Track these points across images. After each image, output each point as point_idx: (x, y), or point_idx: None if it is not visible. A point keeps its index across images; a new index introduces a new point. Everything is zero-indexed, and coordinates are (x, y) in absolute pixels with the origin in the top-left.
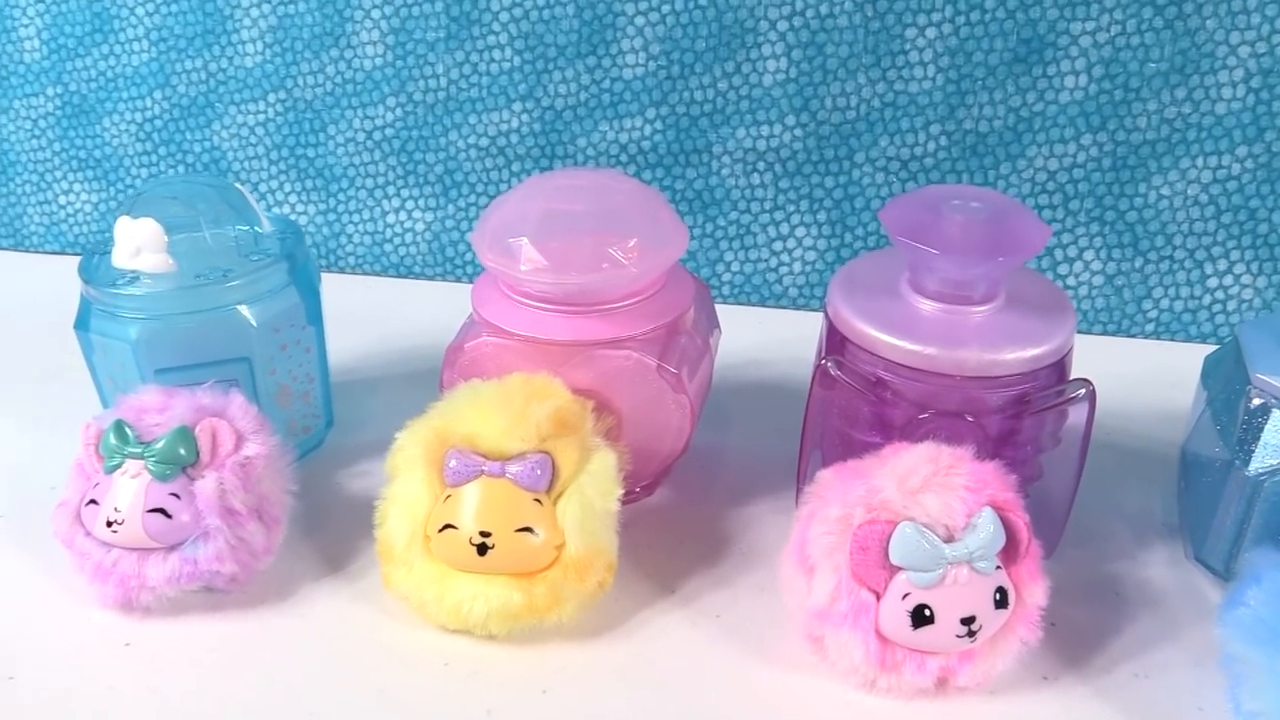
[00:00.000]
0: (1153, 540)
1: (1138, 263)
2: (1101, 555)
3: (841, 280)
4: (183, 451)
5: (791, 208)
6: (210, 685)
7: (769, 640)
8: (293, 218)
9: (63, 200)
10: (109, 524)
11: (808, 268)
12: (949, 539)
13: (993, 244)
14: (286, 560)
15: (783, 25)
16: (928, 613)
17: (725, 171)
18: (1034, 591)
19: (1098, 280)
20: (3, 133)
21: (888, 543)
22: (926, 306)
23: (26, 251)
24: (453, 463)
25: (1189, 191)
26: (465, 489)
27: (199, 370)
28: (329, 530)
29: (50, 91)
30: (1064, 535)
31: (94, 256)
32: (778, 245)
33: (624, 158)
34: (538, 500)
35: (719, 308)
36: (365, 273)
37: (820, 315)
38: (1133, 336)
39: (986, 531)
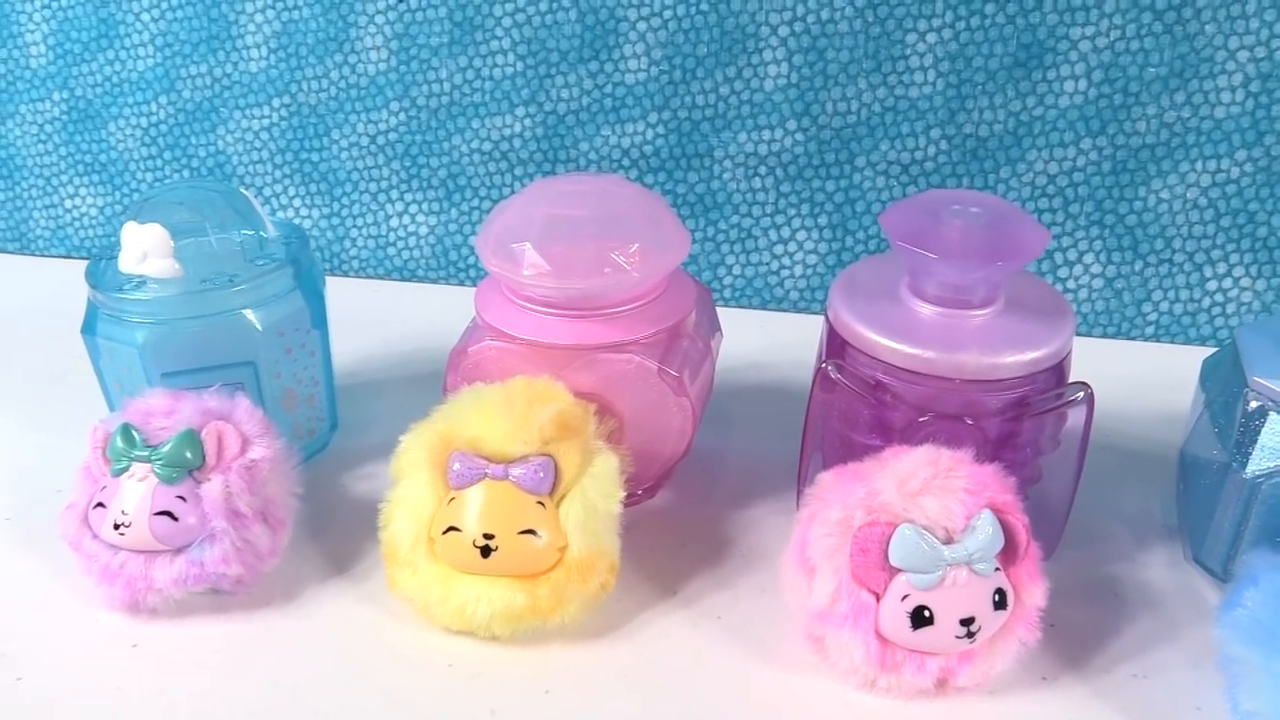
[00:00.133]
0: (1151, 542)
1: (1137, 266)
2: (1100, 557)
3: (842, 284)
4: (189, 455)
5: (792, 211)
6: (217, 686)
7: (770, 641)
8: (297, 222)
9: (68, 204)
10: (116, 526)
11: (808, 271)
12: (948, 541)
13: (992, 249)
14: (292, 562)
15: (784, 30)
16: (927, 614)
17: (727, 175)
18: (1033, 593)
19: (1097, 283)
20: (9, 137)
21: (887, 544)
22: (926, 310)
23: (32, 255)
24: (456, 465)
25: (1188, 195)
26: (469, 491)
27: (205, 374)
28: (334, 533)
29: (56, 96)
30: (1063, 537)
31: (100, 261)
32: (779, 249)
33: (626, 162)
34: (540, 503)
35: (720, 311)
36: (369, 276)
37: (821, 319)
38: (1132, 339)
39: (985, 533)
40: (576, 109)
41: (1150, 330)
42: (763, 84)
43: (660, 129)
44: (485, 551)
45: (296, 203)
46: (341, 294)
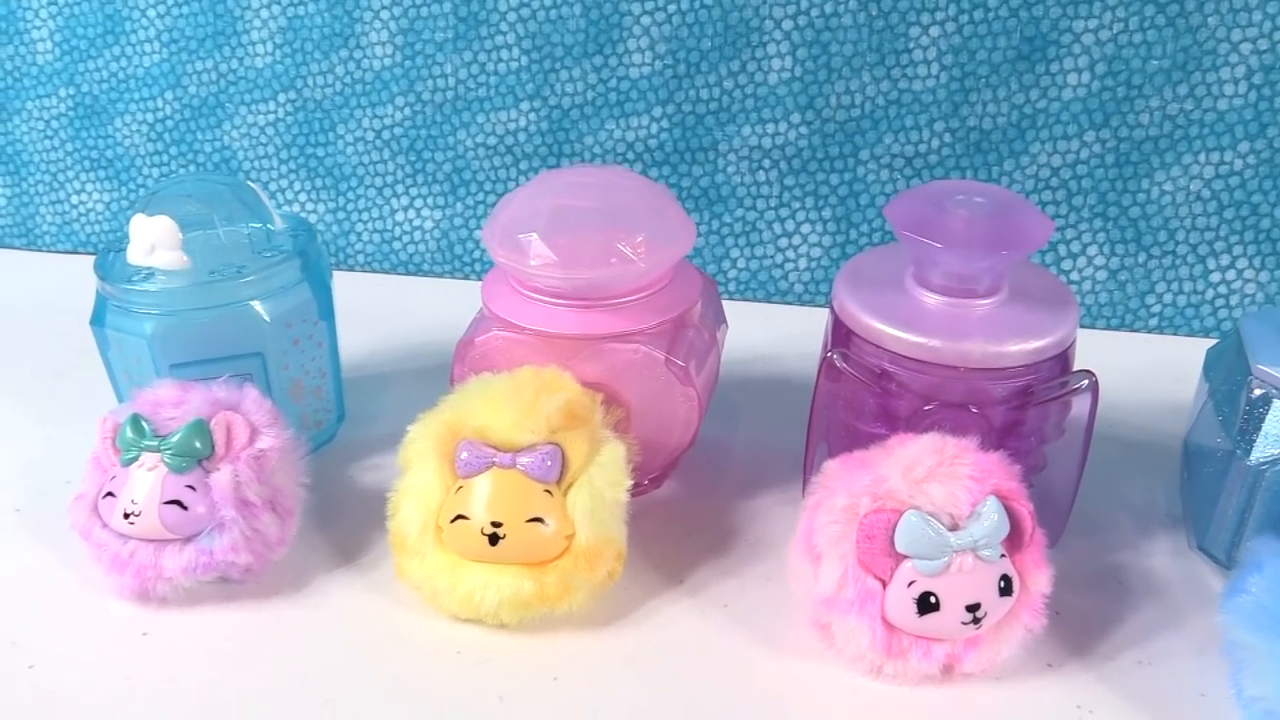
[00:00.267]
0: (1156, 530)
1: (1140, 258)
2: (1105, 545)
3: (847, 275)
4: (198, 444)
5: (797, 204)
6: (226, 675)
7: (776, 628)
8: (303, 216)
9: (75, 200)
10: (126, 516)
11: (813, 264)
12: (954, 528)
13: (996, 238)
14: (300, 552)
15: (788, 24)
16: (933, 600)
17: (731, 169)
18: (1038, 579)
19: (1101, 275)
20: (16, 133)
21: (893, 531)
22: (931, 300)
23: (39, 251)
24: (464, 454)
25: (1191, 187)
26: (476, 480)
27: (213, 365)
28: (342, 522)
29: (63, 93)
30: (1068, 525)
31: (109, 254)
32: (783, 241)
33: (630, 156)
34: (548, 491)
35: (725, 303)
36: (375, 271)
37: (826, 311)
38: (1136, 331)
39: (991, 520)
40: (581, 103)
41: (1154, 322)
42: (766, 77)
43: (665, 123)
44: (493, 539)
45: (302, 197)
46: (348, 288)
